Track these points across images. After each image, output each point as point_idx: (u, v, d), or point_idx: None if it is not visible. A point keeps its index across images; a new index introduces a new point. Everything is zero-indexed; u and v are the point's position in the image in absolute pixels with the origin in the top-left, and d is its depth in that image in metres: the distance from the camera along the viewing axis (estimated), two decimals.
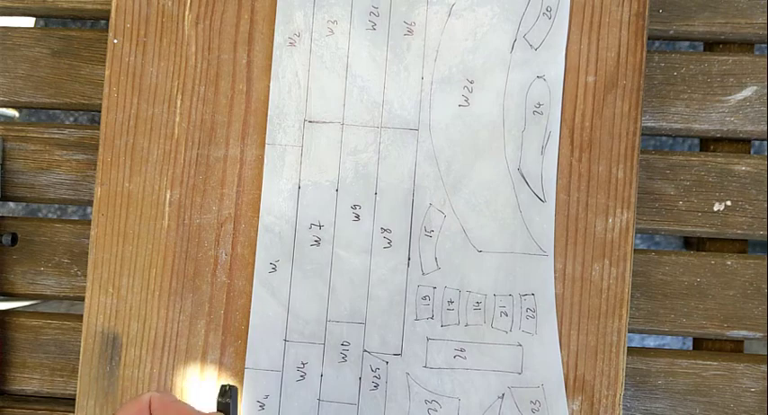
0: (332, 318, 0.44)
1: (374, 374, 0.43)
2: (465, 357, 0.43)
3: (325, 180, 0.44)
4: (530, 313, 0.43)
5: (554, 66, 0.43)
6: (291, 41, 0.44)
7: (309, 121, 0.44)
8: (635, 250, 0.44)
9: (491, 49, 0.44)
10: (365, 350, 0.44)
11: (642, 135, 0.44)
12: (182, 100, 0.45)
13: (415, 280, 0.44)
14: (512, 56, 0.44)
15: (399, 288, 0.44)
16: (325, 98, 0.44)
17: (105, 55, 0.45)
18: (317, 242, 0.44)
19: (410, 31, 0.44)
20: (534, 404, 0.42)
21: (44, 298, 0.51)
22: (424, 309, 0.43)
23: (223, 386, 0.35)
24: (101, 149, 0.45)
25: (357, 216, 0.44)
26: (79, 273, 0.50)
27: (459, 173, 0.44)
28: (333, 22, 0.44)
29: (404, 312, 0.44)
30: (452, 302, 0.43)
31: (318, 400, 0.44)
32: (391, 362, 0.43)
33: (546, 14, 0.43)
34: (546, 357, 0.43)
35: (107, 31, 0.45)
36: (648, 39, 0.44)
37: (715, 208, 0.48)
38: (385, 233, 0.44)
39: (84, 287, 0.45)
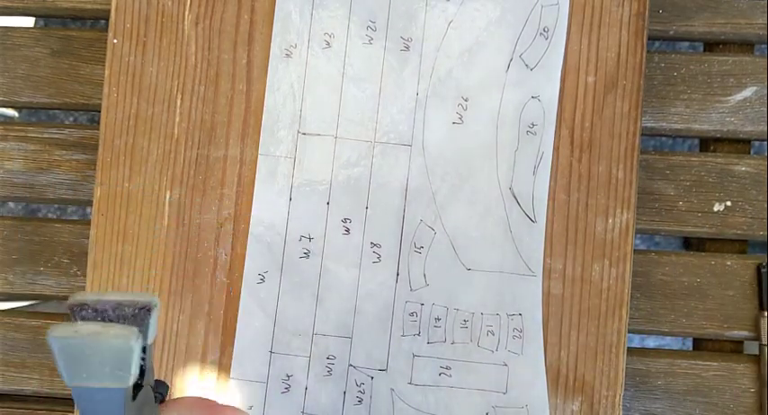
0: (318, 331, 0.43)
1: (359, 388, 0.43)
2: (450, 375, 0.43)
3: (316, 192, 0.44)
4: (516, 333, 0.43)
5: (549, 86, 0.43)
6: (288, 53, 0.44)
7: (303, 133, 0.44)
8: (635, 250, 0.44)
9: (487, 68, 0.43)
10: (351, 365, 0.43)
11: (642, 135, 0.44)
12: (182, 100, 0.45)
13: (403, 296, 0.43)
14: (507, 75, 0.43)
15: (387, 304, 0.43)
16: (319, 111, 0.44)
17: (105, 55, 0.45)
18: (307, 254, 0.44)
19: (407, 47, 0.44)
20: None
21: (44, 298, 0.51)
22: (410, 325, 0.43)
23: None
24: (100, 149, 0.45)
25: (347, 230, 0.44)
26: (79, 273, 0.50)
27: (451, 191, 0.43)
28: (329, 35, 0.44)
29: (391, 327, 0.43)
30: (439, 319, 0.43)
31: (302, 413, 0.43)
32: (376, 377, 0.43)
33: (543, 35, 0.43)
34: (531, 378, 0.42)
35: (107, 31, 0.45)
36: (648, 39, 0.44)
37: (715, 209, 0.48)
38: (374, 248, 0.43)
39: (84, 287, 0.45)
